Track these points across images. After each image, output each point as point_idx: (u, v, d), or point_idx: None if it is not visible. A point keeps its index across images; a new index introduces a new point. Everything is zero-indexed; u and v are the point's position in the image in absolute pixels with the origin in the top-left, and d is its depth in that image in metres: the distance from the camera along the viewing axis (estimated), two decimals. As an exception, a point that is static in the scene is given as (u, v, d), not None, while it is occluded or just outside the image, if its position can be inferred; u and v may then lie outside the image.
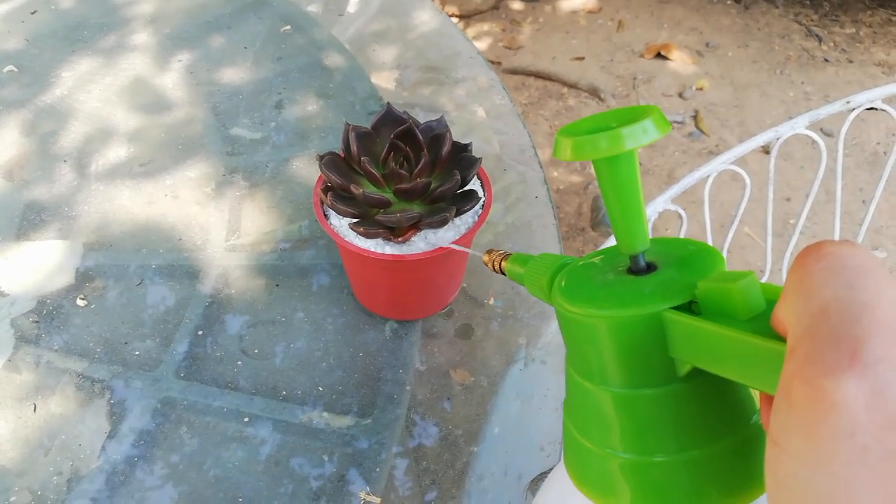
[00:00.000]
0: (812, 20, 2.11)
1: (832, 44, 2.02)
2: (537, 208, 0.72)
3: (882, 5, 2.13)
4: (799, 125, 0.69)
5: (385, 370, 0.60)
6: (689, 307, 0.22)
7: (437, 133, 0.54)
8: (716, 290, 0.21)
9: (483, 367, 0.60)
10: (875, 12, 2.12)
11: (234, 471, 0.54)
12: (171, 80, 0.88)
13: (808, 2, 2.18)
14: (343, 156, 0.54)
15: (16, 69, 0.90)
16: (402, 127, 0.52)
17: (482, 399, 0.58)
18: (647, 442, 0.23)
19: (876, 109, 0.70)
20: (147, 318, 0.64)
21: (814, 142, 0.69)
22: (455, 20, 2.00)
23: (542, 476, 0.54)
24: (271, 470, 0.54)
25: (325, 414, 0.57)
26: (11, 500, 0.53)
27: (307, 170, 0.77)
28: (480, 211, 0.55)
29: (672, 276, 0.24)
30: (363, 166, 0.52)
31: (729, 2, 2.19)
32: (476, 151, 0.57)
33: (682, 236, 0.70)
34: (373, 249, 0.52)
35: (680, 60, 1.97)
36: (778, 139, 0.68)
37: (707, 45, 2.04)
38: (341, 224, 0.54)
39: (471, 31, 2.11)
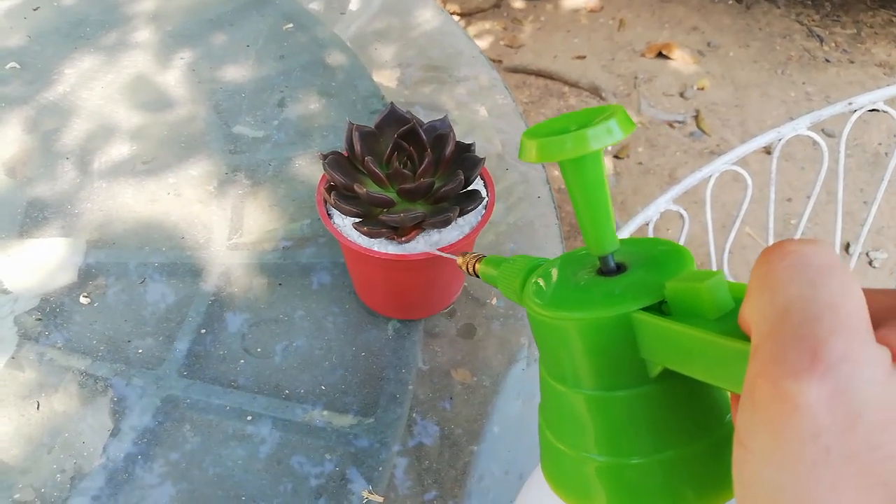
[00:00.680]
0: (813, 20, 2.11)
1: (833, 44, 2.02)
2: (539, 208, 0.73)
3: (883, 6, 2.13)
4: (801, 126, 0.69)
5: (387, 369, 0.60)
6: (660, 307, 0.22)
7: (440, 133, 0.54)
8: (684, 289, 0.21)
9: (484, 366, 0.61)
10: (876, 13, 2.12)
11: (237, 469, 0.54)
12: (174, 78, 0.88)
13: (809, 2, 2.18)
14: (346, 155, 0.54)
15: (18, 66, 0.90)
16: (405, 127, 0.52)
17: (483, 399, 0.59)
18: (622, 444, 0.23)
19: (878, 111, 0.70)
20: (149, 317, 0.64)
21: (815, 142, 0.69)
22: (456, 18, 1.99)
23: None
24: (273, 468, 0.54)
25: (328, 413, 0.57)
26: (15, 497, 0.53)
27: (309, 168, 0.77)
28: (483, 211, 0.55)
29: (642, 277, 0.23)
30: (367, 166, 0.52)
31: (730, 1, 2.19)
32: (478, 151, 0.57)
33: (683, 236, 0.70)
34: (376, 249, 0.52)
35: (681, 60, 1.97)
36: (780, 140, 0.69)
37: (708, 44, 2.04)
38: (344, 223, 0.54)
39: (472, 30, 2.11)
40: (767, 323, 0.16)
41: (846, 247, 1.46)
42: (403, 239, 0.52)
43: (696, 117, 1.81)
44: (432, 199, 0.53)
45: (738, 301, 0.20)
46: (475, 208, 0.54)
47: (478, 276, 0.37)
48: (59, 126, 0.82)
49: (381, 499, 0.53)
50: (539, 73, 1.95)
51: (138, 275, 0.67)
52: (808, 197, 0.72)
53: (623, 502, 0.23)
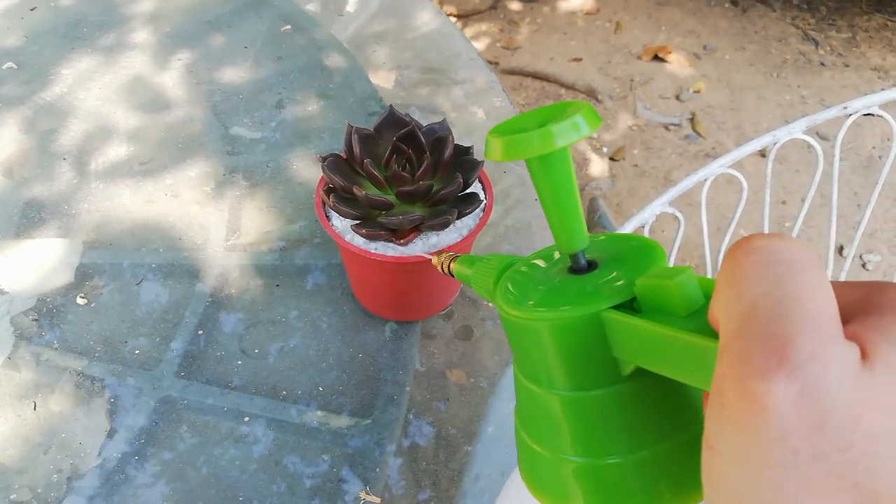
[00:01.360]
0: (809, 24, 2.12)
1: (829, 48, 2.03)
2: (536, 210, 0.73)
3: (878, 10, 2.15)
4: (797, 130, 0.69)
5: (385, 371, 0.60)
6: (631, 305, 0.22)
7: (439, 136, 0.54)
8: (653, 286, 0.20)
9: (480, 368, 0.61)
10: (871, 17, 2.13)
11: (234, 470, 0.54)
12: (171, 79, 0.88)
13: (805, 5, 2.19)
14: (345, 157, 0.54)
15: (15, 66, 0.90)
16: (404, 129, 0.53)
17: (479, 400, 0.59)
18: (598, 444, 0.23)
19: (873, 115, 0.71)
20: (146, 317, 0.64)
21: (810, 146, 0.70)
22: (453, 20, 2.00)
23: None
24: (270, 469, 0.54)
25: (325, 414, 0.58)
26: (11, 497, 0.53)
27: (307, 170, 0.77)
28: (482, 214, 0.55)
29: (613, 274, 0.23)
30: (366, 168, 0.52)
31: (726, 5, 2.20)
32: (476, 154, 0.57)
33: (679, 239, 0.70)
34: (374, 251, 0.52)
35: (677, 63, 1.98)
36: (775, 144, 0.69)
37: (704, 47, 2.04)
38: (343, 225, 0.54)
39: (469, 31, 2.11)
40: (734, 322, 0.16)
41: (840, 249, 1.47)
42: (402, 241, 0.52)
43: (692, 120, 1.82)
44: (431, 202, 0.53)
45: (708, 297, 0.20)
46: (473, 211, 0.54)
47: (453, 276, 0.36)
48: (56, 127, 0.82)
49: (378, 500, 0.53)
50: (535, 76, 1.95)
51: (135, 276, 0.67)
52: (803, 200, 0.72)
53: (600, 503, 0.23)
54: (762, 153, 1.61)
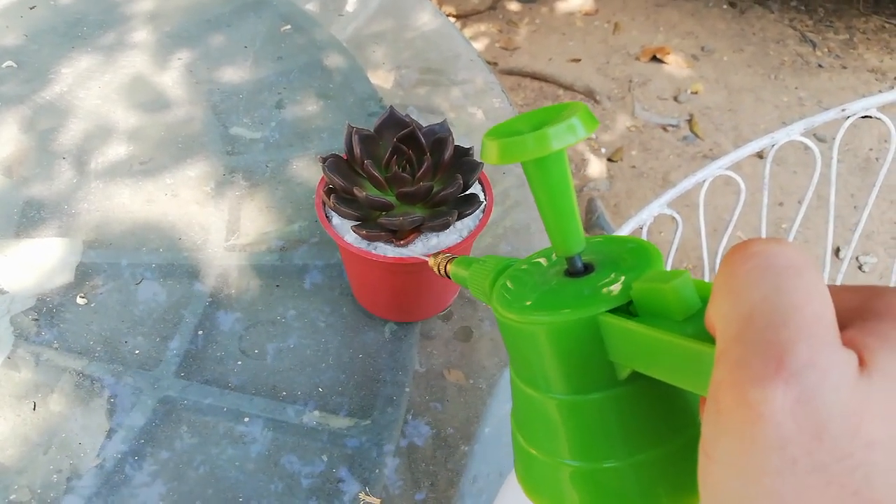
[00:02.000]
0: (807, 25, 2.13)
1: (826, 49, 2.04)
2: (535, 211, 0.73)
3: (876, 12, 2.15)
4: (794, 132, 0.69)
5: (384, 371, 0.60)
6: (628, 308, 0.22)
7: (439, 137, 0.54)
8: (650, 290, 0.20)
9: (479, 368, 0.61)
10: (869, 18, 2.14)
11: (233, 470, 0.54)
12: (171, 79, 0.88)
13: (802, 7, 2.20)
14: (346, 158, 0.55)
15: (14, 65, 0.90)
16: (405, 130, 0.53)
17: (477, 400, 0.59)
18: (595, 448, 0.22)
19: (871, 118, 0.71)
20: (146, 317, 0.64)
21: (807, 147, 0.70)
22: (452, 20, 2.00)
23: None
24: (270, 469, 0.55)
25: (324, 414, 0.58)
26: (11, 497, 0.53)
27: (307, 170, 0.77)
28: (482, 215, 0.55)
29: (609, 277, 0.23)
30: (366, 169, 0.52)
31: (724, 6, 2.21)
32: (475, 155, 0.58)
33: (676, 240, 0.70)
34: (374, 252, 0.52)
35: (675, 64, 1.98)
36: (773, 146, 0.69)
37: (702, 48, 2.05)
38: (343, 226, 0.55)
39: (467, 32, 2.11)
40: (732, 327, 0.16)
41: (837, 251, 1.48)
42: (402, 242, 0.53)
43: (690, 121, 1.82)
44: (431, 203, 0.53)
45: (705, 301, 0.20)
46: (473, 212, 0.54)
47: (449, 277, 0.36)
48: (55, 126, 0.82)
49: (377, 501, 0.53)
50: (534, 76, 1.95)
51: (135, 275, 0.67)
52: (800, 201, 0.73)
53: None
54: (760, 155, 1.62)
